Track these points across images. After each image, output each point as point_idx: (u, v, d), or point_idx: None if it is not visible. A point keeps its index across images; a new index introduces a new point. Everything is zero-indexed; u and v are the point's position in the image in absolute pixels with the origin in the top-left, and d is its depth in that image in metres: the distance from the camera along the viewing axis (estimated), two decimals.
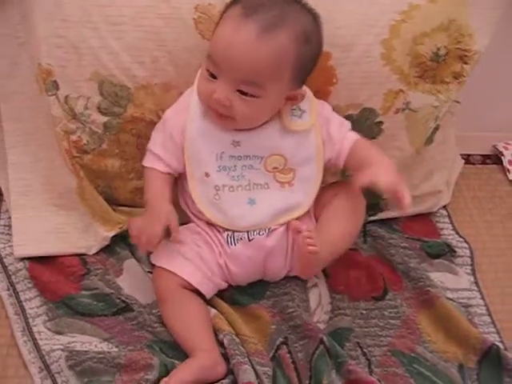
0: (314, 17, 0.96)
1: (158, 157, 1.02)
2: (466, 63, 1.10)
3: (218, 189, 1.01)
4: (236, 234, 1.03)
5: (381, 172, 0.96)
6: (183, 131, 1.00)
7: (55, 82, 1.04)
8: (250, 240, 1.03)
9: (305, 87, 1.01)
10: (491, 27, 1.09)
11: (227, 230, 1.04)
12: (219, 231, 1.04)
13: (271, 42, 0.90)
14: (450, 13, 1.06)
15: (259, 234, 1.03)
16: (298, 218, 1.04)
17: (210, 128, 1.00)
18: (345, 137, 1.04)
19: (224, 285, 1.06)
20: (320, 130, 1.03)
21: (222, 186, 1.01)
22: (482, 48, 1.10)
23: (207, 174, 1.01)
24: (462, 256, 1.20)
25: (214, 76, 0.94)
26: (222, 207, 1.02)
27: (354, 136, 1.05)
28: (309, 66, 0.98)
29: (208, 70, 0.94)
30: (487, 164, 1.44)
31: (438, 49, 1.07)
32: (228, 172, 1.01)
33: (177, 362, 0.97)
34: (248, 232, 1.03)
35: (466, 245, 1.22)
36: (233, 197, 1.02)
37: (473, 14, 1.07)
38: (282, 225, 1.04)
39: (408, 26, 1.05)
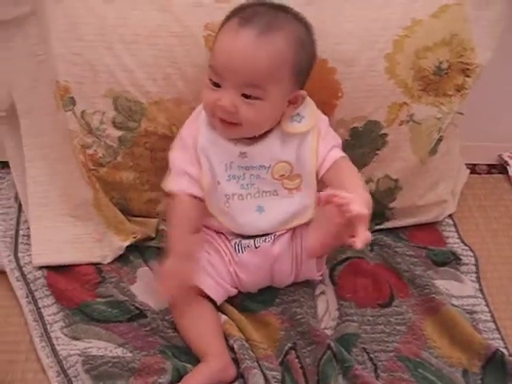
0: (306, 25, 1.00)
1: (190, 176, 1.02)
2: (468, 76, 1.12)
3: (228, 197, 1.04)
4: (243, 242, 1.06)
5: (358, 201, 0.89)
6: (197, 144, 1.02)
7: (72, 98, 1.08)
8: (256, 247, 1.05)
9: (304, 92, 1.02)
10: (493, 41, 1.12)
11: (235, 238, 1.06)
12: (228, 239, 1.07)
13: (268, 44, 0.93)
14: (452, 28, 1.09)
15: (265, 241, 1.06)
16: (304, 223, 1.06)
17: (218, 139, 1.02)
18: (330, 150, 1.03)
19: (234, 291, 1.09)
20: (316, 136, 1.03)
21: (231, 195, 1.04)
22: (483, 61, 1.12)
23: (219, 183, 1.03)
24: (467, 264, 1.22)
25: (217, 85, 0.96)
26: (232, 215, 1.05)
27: (339, 153, 1.04)
28: (306, 68, 1.00)
29: (211, 80, 0.97)
30: (493, 173, 1.46)
31: (441, 63, 1.10)
32: (238, 180, 1.03)
33: (189, 366, 0.99)
34: (254, 239, 1.05)
35: (471, 253, 1.24)
36: (242, 205, 1.04)
37: (474, 29, 1.10)
38: (289, 230, 1.06)
39: (411, 41, 1.08)
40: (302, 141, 1.03)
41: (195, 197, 1.03)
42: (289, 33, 0.95)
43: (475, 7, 1.10)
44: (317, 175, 1.04)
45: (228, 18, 0.98)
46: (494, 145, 1.46)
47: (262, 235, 1.06)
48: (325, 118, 1.07)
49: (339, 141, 1.07)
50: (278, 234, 1.06)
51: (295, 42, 0.96)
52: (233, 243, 1.06)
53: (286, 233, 1.06)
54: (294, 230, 1.07)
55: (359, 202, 0.88)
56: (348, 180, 1.00)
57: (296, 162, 1.04)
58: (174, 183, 1.04)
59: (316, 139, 1.03)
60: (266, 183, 1.04)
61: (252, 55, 0.93)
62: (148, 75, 1.07)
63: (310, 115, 1.03)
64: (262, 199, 1.05)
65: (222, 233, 1.09)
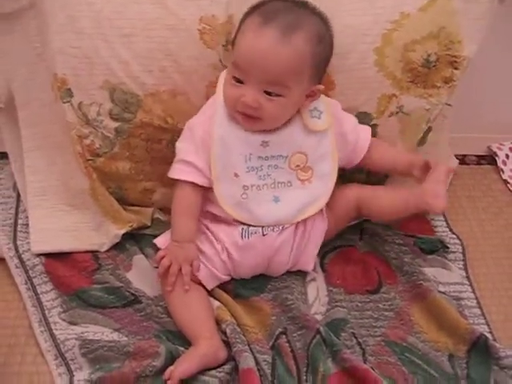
0: (323, 18, 1.03)
1: (193, 165, 1.05)
2: (456, 68, 1.14)
3: (246, 188, 1.07)
4: (251, 228, 1.08)
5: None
6: (211, 136, 1.05)
7: (69, 89, 1.10)
8: (264, 235, 1.08)
9: (321, 86, 1.06)
10: (480, 34, 1.13)
11: (242, 224, 1.08)
12: (232, 226, 1.08)
13: (290, 45, 0.97)
14: (439, 21, 1.10)
15: (273, 230, 1.08)
16: (312, 216, 1.11)
17: (238, 131, 1.05)
18: (359, 135, 1.12)
19: (226, 278, 1.11)
20: (334, 129, 1.09)
21: (250, 186, 1.07)
22: (470, 54, 1.13)
23: (236, 175, 1.06)
24: (454, 252, 1.24)
25: (240, 81, 1.00)
26: (249, 206, 1.07)
27: (368, 133, 1.14)
28: (324, 64, 1.05)
29: (234, 77, 1.00)
30: (482, 164, 1.48)
31: (429, 55, 1.12)
32: (256, 172, 1.07)
33: (181, 348, 1.02)
34: (263, 227, 1.08)
35: (458, 241, 1.26)
36: (259, 195, 1.07)
37: (462, 22, 1.11)
38: (299, 222, 1.10)
39: (399, 34, 1.10)
40: (322, 137, 1.08)
41: (197, 185, 1.06)
42: (309, 31, 0.99)
43: (462, 0, 1.11)
44: (349, 162, 1.14)
45: (248, 14, 1.01)
46: (483, 136, 1.48)
47: (273, 225, 1.09)
48: (336, 103, 1.12)
49: (355, 118, 1.14)
50: (286, 225, 1.09)
51: (315, 39, 0.99)
52: (240, 228, 1.08)
53: (292, 225, 1.10)
54: (302, 222, 1.11)
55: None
56: (390, 151, 1.16)
57: (312, 155, 1.08)
58: (177, 171, 1.07)
59: (333, 133, 1.09)
60: (282, 173, 1.08)
61: (275, 55, 0.96)
62: (144, 67, 1.09)
63: (326, 110, 1.09)
64: (277, 190, 1.08)
65: (222, 221, 1.10)
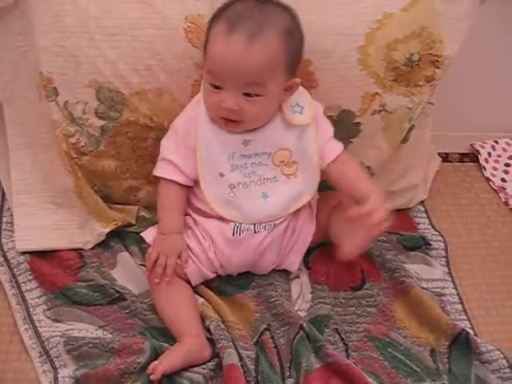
0: (290, 11, 1.03)
1: (174, 164, 1.07)
2: (437, 68, 1.16)
3: (232, 187, 1.08)
4: (243, 225, 1.09)
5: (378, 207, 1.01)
6: (195, 136, 1.06)
7: (55, 88, 1.10)
8: (255, 232, 1.09)
9: (298, 79, 1.06)
10: (461, 34, 1.15)
11: (236, 221, 1.09)
12: (224, 222, 1.09)
13: (260, 45, 0.97)
14: (422, 21, 1.12)
15: (265, 228, 1.09)
16: (300, 212, 1.12)
17: (220, 131, 1.06)
18: (327, 142, 1.11)
19: (212, 275, 1.12)
20: (315, 126, 1.09)
21: (236, 184, 1.08)
22: (452, 53, 1.15)
23: (221, 174, 1.07)
24: (436, 249, 1.26)
25: (218, 87, 1.00)
26: (238, 203, 1.08)
27: (338, 146, 1.11)
28: (297, 57, 1.05)
29: (211, 84, 1.01)
30: (465, 162, 1.50)
31: (411, 54, 1.13)
32: (241, 170, 1.07)
33: (166, 345, 1.03)
34: (255, 225, 1.09)
35: (440, 238, 1.28)
36: (247, 192, 1.08)
37: (443, 22, 1.13)
38: (286, 218, 1.10)
39: (382, 34, 1.11)
40: (302, 131, 1.09)
41: (178, 183, 1.08)
42: (277, 28, 0.99)
43: (445, 0, 1.12)
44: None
45: (214, 21, 1.01)
46: (466, 134, 1.50)
47: (263, 222, 1.09)
48: (319, 105, 1.12)
49: (332, 129, 1.13)
50: (277, 222, 1.10)
51: (284, 35, 1.00)
52: (232, 225, 1.09)
53: (282, 223, 1.11)
54: (291, 220, 1.12)
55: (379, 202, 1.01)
56: (353, 174, 1.11)
57: (295, 150, 1.09)
58: (159, 169, 1.10)
59: (315, 130, 1.09)
60: (267, 170, 1.09)
61: (248, 58, 0.97)
62: (130, 66, 1.09)
63: (308, 105, 1.08)
64: (264, 186, 1.09)
65: (212, 216, 1.11)
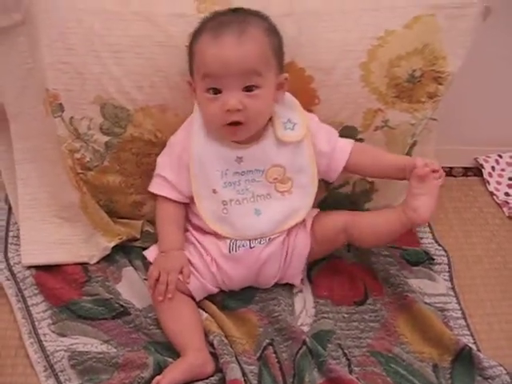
0: (263, 17, 1.06)
1: (167, 181, 1.09)
2: (440, 84, 1.16)
3: (225, 203, 1.09)
4: (239, 241, 1.10)
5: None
6: (189, 154, 1.07)
7: (61, 104, 1.11)
8: (251, 248, 1.10)
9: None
10: (463, 50, 1.15)
11: (230, 238, 1.10)
12: (220, 239, 1.10)
13: (250, 39, 1.00)
14: (424, 37, 1.12)
15: (260, 243, 1.10)
16: (294, 227, 1.12)
17: (213, 148, 1.07)
18: (335, 149, 1.12)
19: (215, 290, 1.13)
20: (310, 140, 1.10)
21: (229, 201, 1.09)
22: (455, 69, 1.15)
23: (214, 191, 1.08)
24: (440, 263, 1.26)
25: (217, 91, 1.02)
26: (231, 220, 1.09)
27: (347, 145, 1.13)
28: (282, 53, 1.07)
29: (210, 89, 1.02)
30: (468, 176, 1.50)
31: (414, 71, 1.13)
32: (234, 187, 1.09)
33: (170, 360, 1.03)
34: (250, 241, 1.10)
35: (444, 253, 1.28)
36: (240, 209, 1.09)
37: (446, 39, 1.13)
38: (281, 233, 1.11)
39: (385, 50, 1.11)
40: (296, 147, 1.09)
41: (173, 200, 1.10)
42: (258, 27, 1.02)
43: (447, 17, 1.13)
44: (326, 177, 1.14)
45: (196, 34, 1.04)
46: (469, 148, 1.50)
47: (258, 238, 1.10)
48: (313, 117, 1.13)
49: (334, 130, 1.14)
50: (272, 237, 1.11)
51: (267, 32, 1.03)
52: (228, 242, 1.10)
53: (278, 237, 1.11)
54: (286, 235, 1.12)
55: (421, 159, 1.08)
56: (376, 155, 1.14)
57: (289, 166, 1.10)
58: (154, 185, 1.13)
59: (311, 145, 1.10)
60: (260, 186, 1.09)
61: (242, 49, 0.99)
62: (134, 83, 1.10)
63: (301, 121, 1.09)
64: (257, 203, 1.10)
65: (209, 233, 1.12)
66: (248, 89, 1.01)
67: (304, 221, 1.14)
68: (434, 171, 1.07)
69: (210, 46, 1.00)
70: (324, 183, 1.20)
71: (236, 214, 1.09)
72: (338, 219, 1.15)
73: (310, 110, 1.14)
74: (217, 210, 1.09)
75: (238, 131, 1.04)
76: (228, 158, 1.07)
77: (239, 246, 1.10)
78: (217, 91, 1.01)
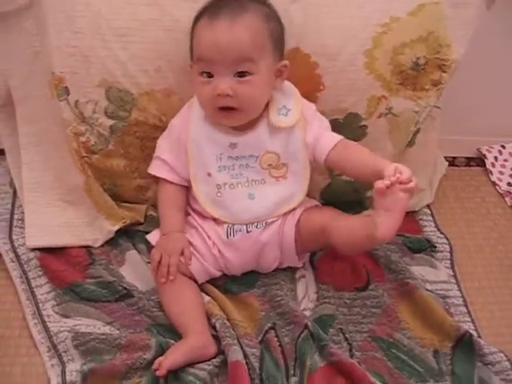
0: (264, 3, 1.06)
1: (165, 162, 1.10)
2: (444, 72, 1.16)
3: (219, 187, 1.09)
4: (236, 226, 1.11)
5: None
6: (187, 137, 1.08)
7: (66, 88, 1.12)
8: (248, 232, 1.11)
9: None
10: (467, 38, 1.15)
11: (227, 222, 1.11)
12: (218, 224, 1.11)
13: (243, 24, 1.00)
14: (428, 25, 1.13)
15: (257, 227, 1.11)
16: (287, 213, 1.12)
17: (209, 132, 1.08)
18: (319, 140, 1.10)
19: (217, 273, 1.14)
20: (303, 126, 1.10)
21: (223, 185, 1.09)
22: (459, 57, 1.16)
23: (209, 174, 1.09)
24: (441, 251, 1.27)
25: (209, 75, 1.02)
26: (225, 203, 1.10)
27: (333, 139, 1.10)
28: (281, 40, 1.07)
29: (203, 73, 1.02)
30: (471, 166, 1.51)
31: (418, 58, 1.14)
32: (228, 171, 1.09)
33: (172, 341, 1.04)
34: (247, 225, 1.11)
35: (446, 241, 1.29)
36: (234, 193, 1.10)
37: (450, 27, 1.14)
38: (278, 217, 1.11)
39: (389, 38, 1.12)
40: (289, 133, 1.09)
41: (173, 182, 1.11)
42: (256, 11, 1.02)
43: (451, 5, 1.13)
44: (315, 160, 1.11)
45: (197, 18, 1.04)
46: (472, 139, 1.51)
47: (254, 222, 1.11)
48: (310, 106, 1.12)
49: (327, 123, 1.13)
50: (269, 221, 1.11)
51: (265, 18, 1.03)
52: (225, 227, 1.11)
53: (275, 221, 1.12)
54: (283, 219, 1.12)
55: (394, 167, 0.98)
56: (358, 154, 1.08)
57: (283, 153, 1.10)
58: (153, 167, 1.14)
59: (303, 130, 1.09)
60: (255, 172, 1.10)
61: (234, 35, 0.99)
62: (139, 67, 1.11)
63: (295, 107, 1.09)
64: (251, 187, 1.10)
65: (208, 218, 1.13)
66: (240, 74, 1.01)
67: (295, 209, 1.13)
68: (400, 183, 0.96)
69: (205, 30, 1.01)
70: (328, 170, 1.21)
71: (230, 198, 1.10)
72: (319, 220, 1.11)
73: (315, 97, 1.14)
74: (211, 192, 1.10)
75: (230, 116, 1.04)
76: (222, 143, 1.08)
77: (236, 231, 1.11)
78: (210, 75, 1.02)
